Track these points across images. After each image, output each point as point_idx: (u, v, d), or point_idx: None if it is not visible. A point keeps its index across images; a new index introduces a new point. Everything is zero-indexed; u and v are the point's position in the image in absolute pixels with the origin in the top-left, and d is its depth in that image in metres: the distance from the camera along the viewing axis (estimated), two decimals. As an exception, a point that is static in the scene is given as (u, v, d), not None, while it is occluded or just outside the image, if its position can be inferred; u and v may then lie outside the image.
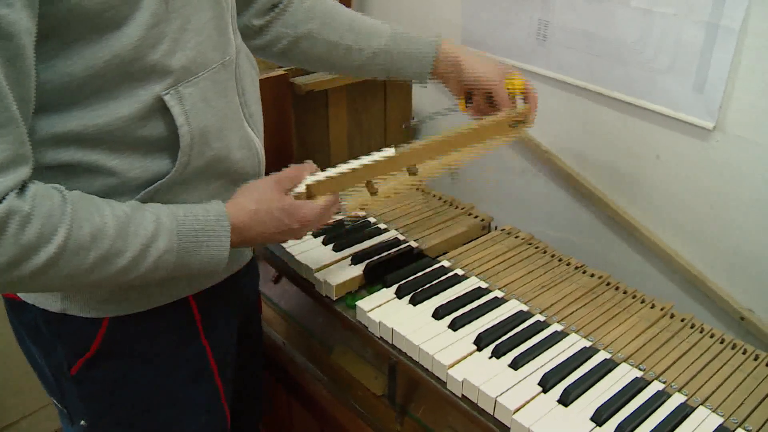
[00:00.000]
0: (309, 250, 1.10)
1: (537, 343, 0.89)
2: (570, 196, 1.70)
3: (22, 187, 0.62)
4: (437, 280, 1.02)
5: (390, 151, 0.90)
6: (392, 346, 0.94)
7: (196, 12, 0.74)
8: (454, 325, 0.92)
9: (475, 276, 1.04)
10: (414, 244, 1.12)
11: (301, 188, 0.85)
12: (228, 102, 0.81)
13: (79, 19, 0.63)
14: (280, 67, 1.44)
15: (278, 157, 1.45)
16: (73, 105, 0.67)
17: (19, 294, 0.82)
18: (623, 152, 1.53)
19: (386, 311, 0.96)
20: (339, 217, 1.13)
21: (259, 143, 0.90)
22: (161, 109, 0.72)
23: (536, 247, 1.11)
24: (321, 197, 0.86)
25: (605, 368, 0.86)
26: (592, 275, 1.05)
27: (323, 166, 1.50)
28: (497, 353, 0.88)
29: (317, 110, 1.43)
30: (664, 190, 1.46)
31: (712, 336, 0.94)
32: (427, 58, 1.03)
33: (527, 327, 0.92)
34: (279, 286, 1.26)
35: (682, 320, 0.96)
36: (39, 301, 0.80)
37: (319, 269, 1.05)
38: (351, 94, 1.50)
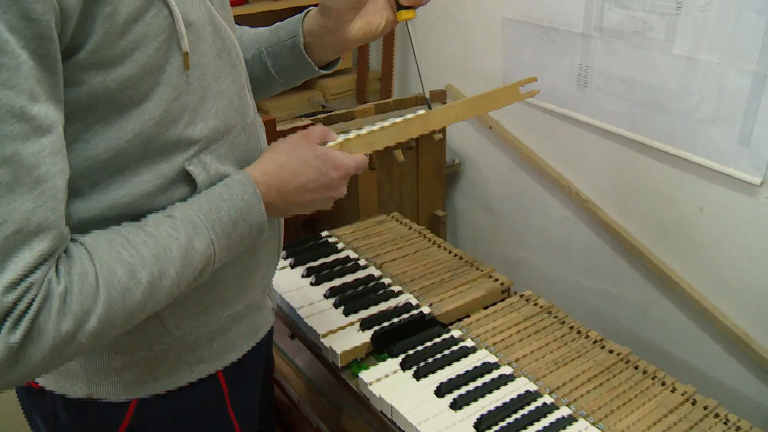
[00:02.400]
0: (318, 313, 1.08)
1: (542, 429, 0.84)
2: (610, 247, 1.63)
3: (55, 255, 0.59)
4: (445, 353, 0.98)
5: (420, 111, 0.88)
6: (392, 421, 0.90)
7: (214, 79, 0.72)
8: (456, 405, 0.88)
9: (486, 349, 0.99)
10: (427, 309, 1.08)
11: (335, 143, 0.81)
12: (248, 164, 0.78)
13: (99, 101, 0.62)
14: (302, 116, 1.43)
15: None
16: (94, 188, 0.66)
17: (38, 381, 0.79)
18: (665, 204, 1.46)
19: (389, 385, 0.93)
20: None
21: None
22: (185, 178, 0.70)
23: (555, 317, 1.06)
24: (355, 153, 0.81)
25: (613, 463, 0.80)
26: (611, 351, 0.99)
27: (352, 217, 1.49)
28: (497, 439, 0.83)
29: (344, 159, 1.41)
30: (709, 246, 1.39)
31: (737, 429, 0.86)
32: (293, 23, 0.89)
33: (533, 410, 0.87)
34: (295, 342, 1.24)
35: (705, 408, 0.88)
36: (62, 387, 0.77)
37: (326, 334, 1.03)
38: (380, 142, 1.48)
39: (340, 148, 0.81)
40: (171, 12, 0.64)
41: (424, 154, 1.58)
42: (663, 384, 0.92)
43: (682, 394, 0.90)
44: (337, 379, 1.01)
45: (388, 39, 1.94)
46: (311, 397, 1.16)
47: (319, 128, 0.81)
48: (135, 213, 0.67)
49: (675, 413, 0.87)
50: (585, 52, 1.54)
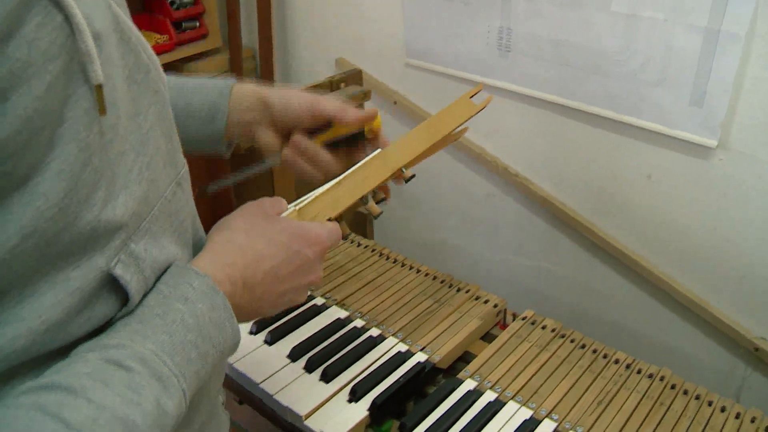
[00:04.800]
0: (290, 384, 0.83)
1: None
2: (545, 221, 1.51)
3: None
4: (469, 416, 0.78)
5: (376, 152, 0.76)
6: None
7: (132, 118, 0.46)
8: (513, 491, 0.70)
9: (513, 400, 0.81)
10: (422, 356, 0.88)
11: (290, 211, 0.66)
12: (187, 236, 0.54)
13: None
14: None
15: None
16: None
17: None
18: (607, 173, 1.35)
19: (416, 475, 0.73)
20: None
21: None
22: (109, 285, 0.45)
23: (572, 341, 0.90)
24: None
25: None
26: (650, 375, 0.85)
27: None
28: None
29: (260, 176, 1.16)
30: (658, 213, 1.31)
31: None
32: (209, 92, 0.75)
33: (606, 480, 0.72)
34: (245, 406, 0.99)
35: (781, 434, 0.77)
36: None
37: (309, 414, 0.80)
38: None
39: (298, 217, 0.67)
40: (68, 17, 0.37)
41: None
42: (723, 410, 0.80)
43: (752, 421, 0.78)
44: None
45: (264, 8, 1.66)
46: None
47: (270, 200, 0.62)
48: (37, 359, 0.41)
49: (753, 446, 0.76)
50: (505, 14, 1.37)
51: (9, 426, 0.37)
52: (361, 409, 0.80)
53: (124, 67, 0.45)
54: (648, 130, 1.25)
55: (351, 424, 0.78)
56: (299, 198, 0.71)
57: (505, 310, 0.96)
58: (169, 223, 0.50)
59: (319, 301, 0.98)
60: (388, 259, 1.07)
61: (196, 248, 0.57)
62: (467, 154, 1.55)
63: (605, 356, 0.87)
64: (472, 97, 0.82)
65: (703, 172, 1.22)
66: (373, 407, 0.80)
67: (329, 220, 0.69)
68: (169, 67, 1.62)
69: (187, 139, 0.73)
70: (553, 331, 0.91)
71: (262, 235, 0.56)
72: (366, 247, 1.10)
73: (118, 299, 0.46)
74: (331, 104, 0.75)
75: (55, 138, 0.38)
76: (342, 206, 0.70)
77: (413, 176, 0.77)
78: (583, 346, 0.89)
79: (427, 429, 0.77)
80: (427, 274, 1.03)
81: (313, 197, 0.70)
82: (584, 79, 1.30)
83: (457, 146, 1.55)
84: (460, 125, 0.80)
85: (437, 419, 0.78)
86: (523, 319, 0.94)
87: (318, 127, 0.76)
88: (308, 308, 0.96)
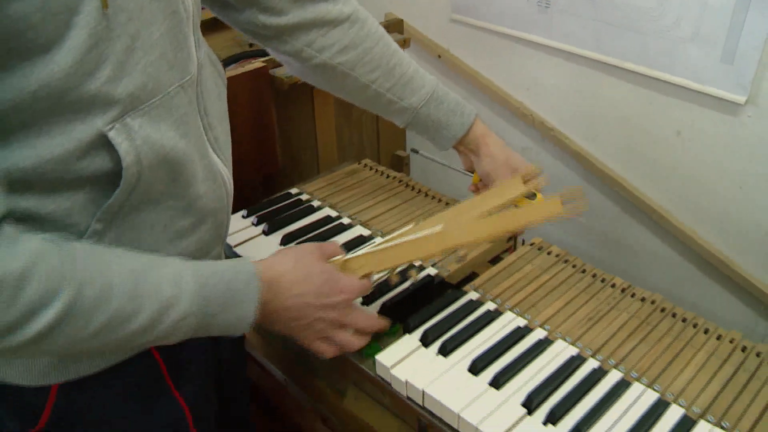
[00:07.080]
0: (311, 287, 0.94)
1: (599, 401, 0.75)
2: (578, 176, 1.56)
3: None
4: (468, 320, 0.87)
5: (438, 227, 0.82)
6: (423, 407, 0.79)
7: (146, 26, 0.60)
8: (497, 383, 0.77)
9: (510, 311, 0.89)
10: (432, 270, 0.96)
11: (339, 258, 0.80)
12: (188, 129, 0.68)
13: None
14: (255, 58, 1.25)
15: (261, 158, 1.28)
16: None
17: None
18: (639, 129, 1.39)
19: (413, 366, 0.81)
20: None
21: (227, 172, 0.77)
22: (105, 145, 0.59)
23: (573, 266, 0.97)
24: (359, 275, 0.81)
25: (684, 429, 0.72)
26: (643, 299, 0.91)
27: (311, 164, 1.34)
28: (553, 418, 0.73)
29: (302, 104, 1.25)
30: (687, 170, 1.34)
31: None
32: (452, 134, 0.99)
33: (584, 379, 0.78)
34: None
35: (758, 355, 0.82)
36: None
37: (325, 312, 0.89)
38: (337, 82, 1.32)
39: (346, 265, 0.80)
40: None
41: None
42: (706, 332, 0.85)
43: (730, 341, 0.84)
44: (344, 364, 0.88)
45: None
46: (303, 378, 1.03)
47: (332, 246, 0.82)
48: (44, 181, 0.58)
49: (729, 364, 0.81)
50: (546, -32, 1.41)
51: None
52: (372, 311, 0.89)
53: None
54: (679, 86, 1.28)
55: (361, 322, 0.87)
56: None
57: (516, 237, 1.03)
58: (169, 114, 0.64)
59: (345, 220, 1.07)
60: (413, 189, 1.15)
61: (199, 142, 0.71)
62: (506, 107, 1.60)
63: (603, 280, 0.94)
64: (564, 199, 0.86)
65: (731, 128, 1.24)
66: (383, 309, 0.89)
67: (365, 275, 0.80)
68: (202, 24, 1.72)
69: (423, 135, 1.02)
70: (557, 256, 0.98)
71: (304, 269, 0.74)
72: (394, 178, 1.18)
73: (112, 160, 0.60)
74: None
75: (71, 23, 0.53)
76: (385, 266, 0.82)
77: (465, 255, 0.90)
78: (584, 271, 0.96)
79: (428, 328, 0.85)
80: (447, 203, 1.10)
81: (365, 253, 0.81)
82: (619, 35, 1.34)
83: (496, 99, 1.61)
84: (535, 223, 0.83)
85: (437, 321, 0.86)
86: (531, 245, 1.01)
87: None
88: (334, 226, 1.05)
